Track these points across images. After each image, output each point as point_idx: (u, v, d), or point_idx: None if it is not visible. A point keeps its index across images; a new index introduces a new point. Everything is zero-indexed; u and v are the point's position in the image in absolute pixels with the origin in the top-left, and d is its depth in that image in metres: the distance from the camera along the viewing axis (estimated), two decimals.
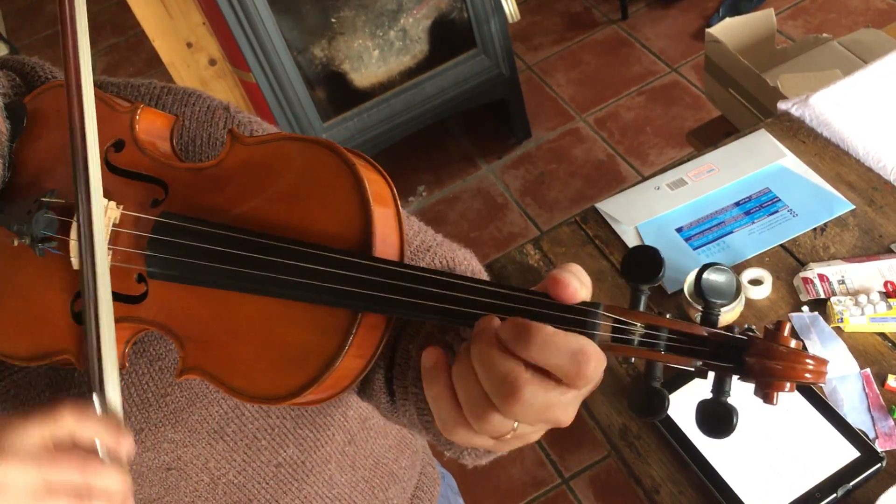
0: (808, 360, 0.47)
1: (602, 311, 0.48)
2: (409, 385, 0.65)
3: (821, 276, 1.23)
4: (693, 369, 0.49)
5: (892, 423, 1.09)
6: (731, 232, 1.36)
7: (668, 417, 1.15)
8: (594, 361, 0.44)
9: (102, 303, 0.58)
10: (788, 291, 1.26)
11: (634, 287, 0.50)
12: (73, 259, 0.59)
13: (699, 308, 1.22)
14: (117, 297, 0.59)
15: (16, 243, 0.61)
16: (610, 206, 1.46)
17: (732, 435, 0.48)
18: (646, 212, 1.42)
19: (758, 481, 1.07)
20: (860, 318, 1.18)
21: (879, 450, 1.06)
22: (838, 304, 1.19)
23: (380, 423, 0.93)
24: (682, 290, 1.26)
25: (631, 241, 1.40)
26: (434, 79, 2.59)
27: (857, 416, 1.11)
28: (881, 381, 1.13)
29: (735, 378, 0.49)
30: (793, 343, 0.47)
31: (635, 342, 0.48)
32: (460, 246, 0.81)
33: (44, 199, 0.60)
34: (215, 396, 0.73)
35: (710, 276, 0.49)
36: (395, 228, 0.56)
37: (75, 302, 0.61)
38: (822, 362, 0.47)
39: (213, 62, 2.49)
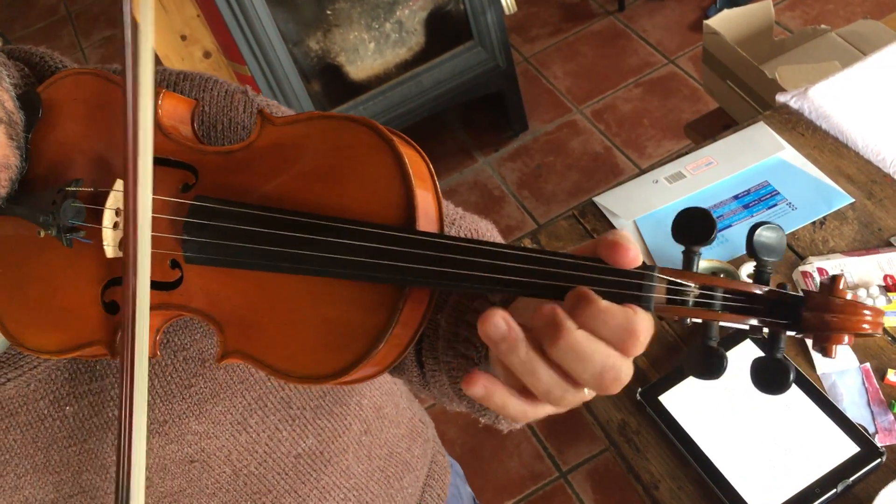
0: (865, 311, 0.47)
1: (657, 274, 0.47)
2: (441, 355, 0.64)
3: (820, 270, 1.22)
4: (747, 327, 0.49)
5: (892, 417, 1.09)
6: (730, 226, 1.35)
7: (667, 413, 1.15)
8: (642, 337, 0.46)
9: (141, 296, 0.56)
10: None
11: (687, 249, 0.49)
12: (106, 247, 0.58)
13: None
14: (153, 284, 0.58)
15: (42, 235, 0.60)
16: (608, 200, 1.45)
17: (789, 389, 0.49)
18: (644, 205, 1.41)
19: (757, 477, 1.06)
20: None
21: (879, 445, 1.06)
22: None
23: (393, 413, 0.93)
24: None
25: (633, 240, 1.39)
26: (430, 71, 2.58)
27: (856, 410, 1.10)
28: (881, 376, 1.13)
29: (791, 333, 0.48)
30: (849, 295, 0.48)
31: (690, 303, 0.48)
32: (481, 217, 0.80)
33: (68, 189, 0.59)
34: (239, 387, 0.72)
35: (763, 234, 0.49)
36: (434, 204, 0.55)
37: (105, 291, 0.60)
38: (878, 312, 0.47)
39: (207, 55, 2.47)
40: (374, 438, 0.89)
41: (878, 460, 1.04)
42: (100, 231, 0.58)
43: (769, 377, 0.48)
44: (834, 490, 1.03)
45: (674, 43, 3.05)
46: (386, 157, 0.53)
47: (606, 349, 0.46)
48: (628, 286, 0.47)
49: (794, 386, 1.12)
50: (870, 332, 0.47)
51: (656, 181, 1.44)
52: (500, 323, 0.47)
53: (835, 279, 0.48)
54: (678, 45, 3.03)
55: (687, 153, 1.49)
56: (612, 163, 2.75)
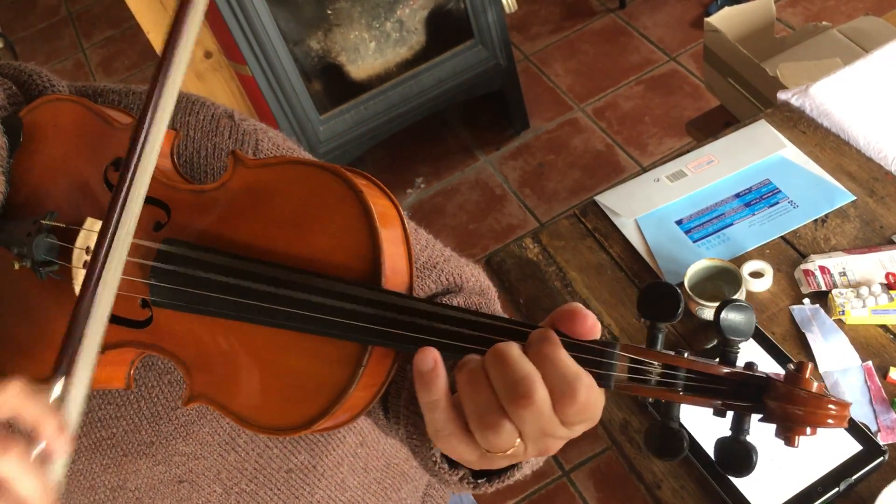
0: (830, 406, 0.46)
1: (619, 351, 0.47)
2: (402, 407, 0.64)
3: (822, 268, 1.22)
4: (712, 409, 0.48)
5: (894, 416, 1.09)
6: (732, 224, 1.35)
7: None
8: (581, 395, 0.44)
9: (105, 296, 0.54)
10: (789, 284, 1.26)
11: (652, 325, 0.49)
12: (76, 286, 0.57)
13: (700, 302, 1.21)
14: (121, 321, 0.58)
15: (16, 267, 0.59)
16: (609, 199, 1.45)
17: (752, 472, 0.48)
18: (645, 204, 1.41)
19: (760, 476, 1.06)
20: (862, 311, 1.17)
21: (881, 443, 1.05)
22: (839, 297, 1.18)
23: None
24: (682, 282, 1.25)
25: (631, 234, 1.39)
26: (431, 70, 2.57)
27: (859, 409, 1.10)
28: (883, 374, 1.13)
29: (755, 417, 0.48)
30: (815, 386, 0.46)
31: (653, 381, 0.47)
32: (468, 261, 0.79)
33: (44, 223, 0.58)
34: None
35: (729, 315, 0.48)
36: (404, 255, 0.54)
37: None
38: (844, 406, 0.46)
39: (208, 55, 2.47)
40: (370, 450, 0.88)
41: (881, 459, 1.04)
42: (70, 269, 0.58)
43: (732, 459, 0.48)
44: (836, 489, 1.03)
45: (675, 40, 3.04)
46: (353, 208, 0.52)
47: (531, 366, 0.45)
48: (590, 362, 0.47)
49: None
50: (835, 426, 0.46)
51: (657, 180, 1.44)
52: (429, 359, 0.47)
53: (801, 367, 0.47)
54: (679, 43, 3.03)
55: (688, 151, 1.49)
56: (613, 161, 2.74)
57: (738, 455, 0.47)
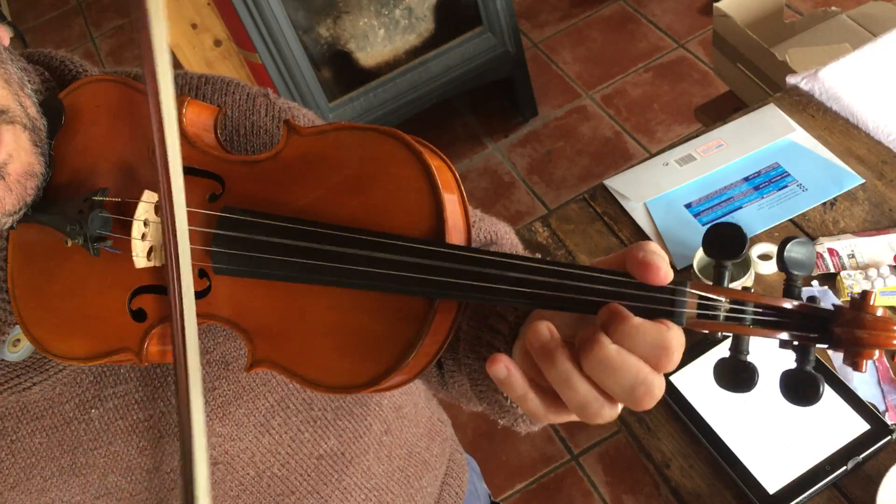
0: (895, 327, 0.47)
1: (688, 290, 0.48)
2: (462, 357, 0.65)
3: (831, 251, 1.23)
4: (778, 341, 0.50)
5: None
6: (741, 207, 1.35)
7: (678, 393, 1.16)
8: (676, 353, 0.46)
9: (188, 315, 0.56)
10: None
11: (718, 263, 0.50)
12: (135, 258, 0.58)
13: (708, 283, 1.22)
14: None
15: (69, 244, 0.60)
16: (618, 183, 1.46)
17: (819, 401, 0.49)
18: (654, 188, 1.42)
19: (768, 455, 1.08)
20: None
21: (889, 422, 1.06)
22: (848, 278, 1.19)
23: (412, 412, 0.93)
24: (691, 265, 1.26)
25: (640, 218, 1.40)
26: (440, 57, 2.58)
27: (867, 389, 1.11)
28: (891, 355, 1.13)
29: (822, 346, 0.49)
30: (879, 311, 0.48)
31: (721, 317, 0.48)
32: (499, 219, 0.80)
33: (95, 199, 0.59)
34: (262, 390, 0.73)
35: (794, 249, 0.50)
36: (462, 214, 0.55)
37: (132, 300, 0.60)
38: None
39: (218, 43, 2.48)
40: (394, 438, 0.89)
41: (889, 438, 1.05)
42: (128, 242, 0.58)
43: (799, 389, 0.49)
44: (844, 467, 1.04)
45: (684, 27, 3.04)
46: (415, 169, 0.53)
47: (638, 363, 0.46)
48: (660, 301, 0.48)
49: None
50: None
51: (666, 164, 1.45)
52: (543, 330, 0.48)
53: (865, 294, 0.49)
54: (688, 30, 3.02)
55: (697, 137, 1.50)
56: (622, 148, 2.75)
57: (805, 384, 0.49)
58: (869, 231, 1.26)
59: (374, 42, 2.47)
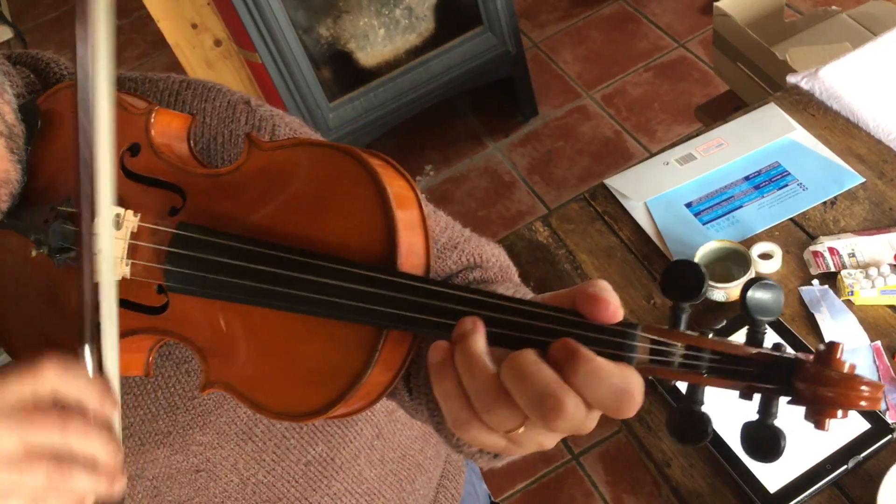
0: (863, 387, 0.44)
1: (640, 332, 0.45)
2: (422, 385, 0.64)
3: (831, 250, 1.23)
4: (738, 392, 0.46)
5: None
6: (741, 206, 1.35)
7: (678, 391, 1.16)
8: (636, 403, 0.42)
9: (105, 275, 0.53)
10: (798, 265, 1.26)
11: (675, 305, 0.47)
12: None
13: (709, 284, 1.22)
14: (138, 307, 0.58)
15: (34, 254, 0.59)
16: (619, 182, 1.46)
17: (780, 458, 0.46)
18: (655, 187, 1.42)
19: None
20: (870, 291, 1.18)
21: (890, 421, 1.06)
22: (848, 277, 1.19)
23: (405, 416, 0.92)
24: None
25: (640, 217, 1.40)
26: (440, 57, 2.58)
27: None
28: (891, 354, 1.13)
29: (784, 400, 0.46)
30: (846, 367, 0.44)
31: (675, 364, 0.45)
32: (489, 241, 0.78)
33: (60, 209, 0.58)
34: None
35: (756, 294, 0.46)
36: (421, 236, 0.53)
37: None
38: (877, 388, 0.44)
39: (218, 43, 2.49)
40: (386, 442, 0.88)
41: (889, 437, 1.05)
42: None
43: (759, 444, 0.46)
44: (845, 466, 1.04)
45: (684, 27, 3.04)
46: (368, 189, 0.51)
47: (554, 374, 0.42)
48: (610, 344, 0.45)
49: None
50: (867, 408, 0.44)
51: (667, 163, 1.45)
52: (439, 349, 0.46)
53: (832, 348, 0.45)
54: (688, 29, 3.02)
55: (697, 136, 1.50)
56: (622, 147, 2.75)
57: (765, 440, 0.46)
58: (869, 230, 1.26)
59: (375, 42, 2.47)
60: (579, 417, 0.42)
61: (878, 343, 1.15)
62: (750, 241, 1.30)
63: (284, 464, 0.78)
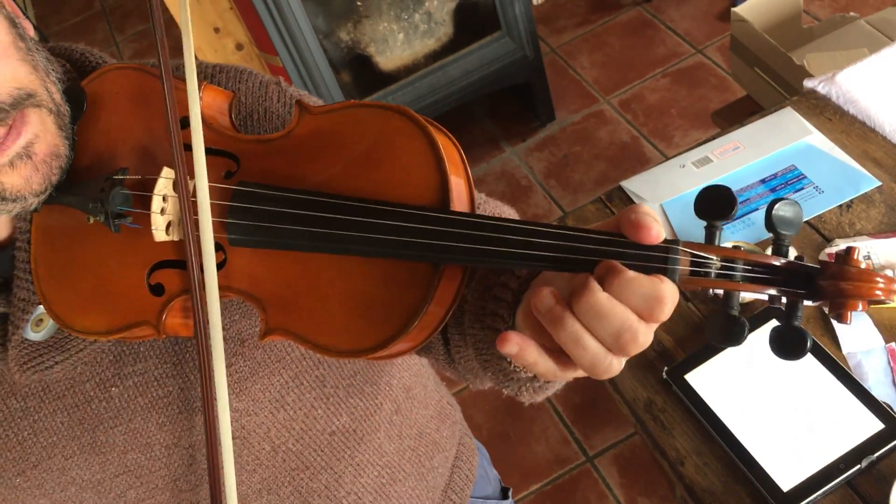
0: (878, 279, 0.50)
1: (681, 248, 0.50)
2: (467, 328, 0.67)
3: None
4: (767, 297, 0.52)
5: None
6: (757, 209, 1.36)
7: (693, 391, 1.17)
8: (668, 306, 0.48)
9: (211, 285, 0.59)
10: None
11: (709, 224, 0.52)
12: (154, 231, 0.60)
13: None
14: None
15: (91, 221, 0.62)
16: (635, 185, 1.47)
17: (805, 356, 0.51)
18: (671, 190, 1.43)
19: (782, 452, 1.08)
20: None
21: None
22: None
23: (422, 394, 0.96)
24: None
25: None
26: (458, 62, 2.60)
27: (881, 389, 1.12)
28: None
29: (808, 302, 0.51)
30: (863, 265, 0.50)
31: (713, 274, 0.50)
32: (503, 203, 0.83)
33: (115, 177, 0.61)
34: (276, 366, 0.75)
35: (781, 210, 0.52)
36: (466, 187, 0.58)
37: (151, 274, 0.62)
38: (891, 280, 0.50)
39: (240, 47, 2.52)
40: (404, 418, 0.91)
41: None
42: (148, 216, 0.60)
43: (787, 344, 0.51)
44: (858, 466, 1.04)
45: (702, 33, 3.05)
46: (420, 143, 0.56)
47: (625, 311, 0.49)
48: (654, 259, 0.50)
49: (819, 364, 1.14)
50: (882, 298, 0.50)
51: (683, 166, 1.46)
52: (548, 296, 0.51)
53: (850, 250, 0.51)
54: (706, 35, 3.03)
55: (714, 139, 1.51)
56: (639, 152, 2.76)
57: (792, 339, 0.50)
58: (885, 233, 1.27)
59: (394, 46, 2.50)
60: (647, 338, 0.49)
61: (893, 345, 1.15)
62: (765, 244, 1.31)
63: (312, 433, 0.80)
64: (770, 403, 1.13)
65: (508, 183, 2.82)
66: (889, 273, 1.18)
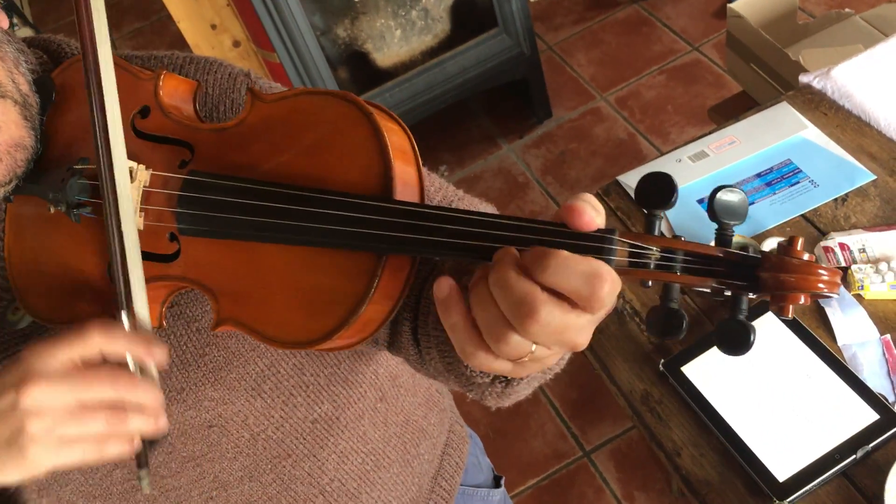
0: (820, 271, 0.48)
1: (617, 237, 0.49)
2: (431, 329, 0.67)
3: (842, 245, 1.24)
4: (708, 290, 0.50)
5: None
6: (753, 203, 1.37)
7: (689, 383, 1.18)
8: (608, 284, 0.45)
9: (126, 224, 0.60)
10: None
11: (649, 213, 0.51)
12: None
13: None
14: (151, 256, 0.62)
15: (52, 211, 0.63)
16: (631, 179, 1.48)
17: (749, 351, 0.49)
18: None
19: (778, 443, 1.09)
20: (880, 286, 1.19)
21: None
22: (859, 272, 1.21)
23: (409, 382, 0.96)
24: None
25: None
26: (455, 58, 2.60)
27: (876, 380, 1.13)
28: None
29: (750, 295, 0.50)
30: (805, 256, 0.48)
31: (651, 265, 0.49)
32: (482, 200, 0.82)
33: (76, 167, 0.63)
34: (251, 355, 0.76)
35: (724, 197, 0.51)
36: (415, 174, 0.57)
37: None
38: (835, 273, 0.48)
39: (237, 43, 2.52)
40: (389, 406, 0.92)
41: None
42: (102, 206, 0.61)
43: (730, 338, 0.49)
44: (853, 456, 1.05)
45: (698, 30, 3.05)
46: (364, 129, 0.56)
47: (532, 286, 0.46)
48: (590, 249, 0.48)
49: (815, 356, 1.15)
50: (826, 291, 0.48)
51: (679, 160, 1.47)
52: (444, 286, 0.50)
53: (792, 240, 0.49)
54: (702, 33, 3.04)
55: (710, 134, 1.51)
56: (635, 149, 2.76)
57: (736, 332, 0.49)
58: (880, 226, 1.27)
59: (391, 43, 2.50)
60: (556, 322, 0.46)
61: (888, 336, 1.16)
62: (762, 237, 1.31)
63: (292, 420, 0.81)
64: (766, 395, 1.14)
65: (505, 180, 2.82)
66: (884, 266, 1.19)
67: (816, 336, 1.17)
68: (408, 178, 0.56)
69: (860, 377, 1.12)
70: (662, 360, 1.21)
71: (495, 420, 2.24)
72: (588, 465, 2.11)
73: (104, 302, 0.63)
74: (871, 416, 1.08)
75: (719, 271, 0.49)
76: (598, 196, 1.49)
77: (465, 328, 0.50)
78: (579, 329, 0.47)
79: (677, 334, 0.50)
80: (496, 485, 1.14)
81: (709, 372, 1.18)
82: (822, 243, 1.26)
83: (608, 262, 0.48)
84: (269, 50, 2.38)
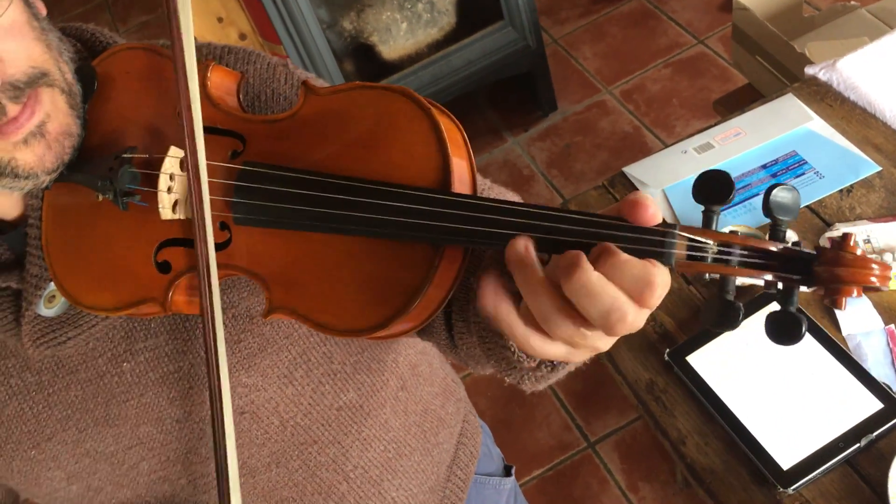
0: (873, 265, 0.50)
1: (678, 232, 0.51)
2: (472, 317, 0.68)
3: (846, 236, 1.25)
4: (763, 282, 0.52)
5: None
6: (758, 194, 1.38)
7: (694, 372, 1.18)
8: (657, 288, 0.49)
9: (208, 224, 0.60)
10: None
11: (707, 208, 0.53)
12: (161, 209, 0.61)
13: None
14: None
15: (100, 199, 0.63)
16: (637, 170, 1.49)
17: (801, 340, 0.51)
18: (673, 175, 1.45)
19: (782, 432, 1.10)
20: None
21: None
22: None
23: (427, 371, 0.97)
24: None
25: (658, 204, 1.42)
26: (461, 51, 2.61)
27: (880, 369, 1.13)
28: None
29: (804, 288, 0.52)
30: (859, 251, 0.51)
31: (709, 259, 0.51)
32: (508, 190, 0.84)
33: (125, 156, 0.63)
34: (285, 342, 0.76)
35: (779, 195, 0.52)
36: (468, 169, 0.58)
37: (158, 252, 0.63)
38: (886, 267, 0.50)
39: (243, 36, 2.53)
40: (409, 394, 0.93)
41: None
42: (155, 194, 0.61)
43: (783, 329, 0.51)
44: (857, 444, 1.06)
45: (703, 24, 3.05)
46: (423, 124, 0.57)
47: (616, 292, 0.49)
48: (650, 243, 0.50)
49: (819, 346, 1.16)
50: (877, 285, 0.50)
51: (685, 151, 1.47)
52: (520, 243, 0.51)
53: (846, 237, 0.51)
54: (707, 26, 3.04)
55: (716, 125, 1.52)
56: (640, 142, 2.77)
57: (788, 324, 0.51)
58: (885, 217, 1.28)
59: (397, 35, 2.51)
60: (639, 321, 0.49)
61: (892, 326, 1.17)
62: (766, 228, 1.32)
63: (319, 408, 0.82)
64: (770, 384, 1.14)
65: (511, 172, 2.83)
66: (889, 257, 1.19)
67: (821, 326, 1.18)
68: (463, 172, 0.57)
69: (864, 366, 1.13)
70: (667, 350, 1.22)
71: (500, 411, 2.25)
72: (592, 456, 2.12)
73: (147, 287, 0.64)
74: (875, 405, 1.09)
75: (775, 265, 0.51)
76: (603, 187, 1.50)
77: (547, 294, 0.51)
78: (643, 319, 0.50)
79: (734, 325, 0.52)
80: (507, 474, 1.16)
81: (713, 361, 1.19)
82: (828, 234, 1.27)
83: (668, 255, 0.50)
84: (276, 42, 2.38)
